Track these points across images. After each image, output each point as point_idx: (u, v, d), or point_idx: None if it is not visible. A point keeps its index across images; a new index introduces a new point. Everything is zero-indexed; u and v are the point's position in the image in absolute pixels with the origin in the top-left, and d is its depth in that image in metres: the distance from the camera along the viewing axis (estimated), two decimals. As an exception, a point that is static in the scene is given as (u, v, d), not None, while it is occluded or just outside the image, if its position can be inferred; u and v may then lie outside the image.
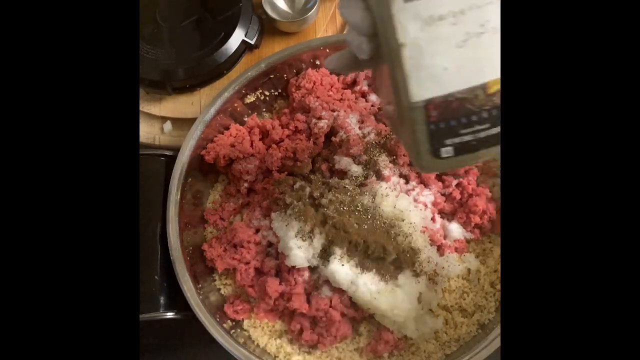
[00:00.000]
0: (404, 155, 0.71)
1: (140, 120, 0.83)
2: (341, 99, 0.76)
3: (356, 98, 0.77)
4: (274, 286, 0.67)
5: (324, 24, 0.85)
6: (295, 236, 0.66)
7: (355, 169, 0.71)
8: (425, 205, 0.70)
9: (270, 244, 0.72)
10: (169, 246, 0.69)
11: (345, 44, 0.48)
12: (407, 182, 0.72)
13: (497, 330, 0.63)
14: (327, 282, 0.67)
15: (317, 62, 0.79)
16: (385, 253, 0.65)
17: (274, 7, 0.84)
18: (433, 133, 0.44)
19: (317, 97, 0.76)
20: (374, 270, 0.65)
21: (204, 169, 0.77)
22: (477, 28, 0.42)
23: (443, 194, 0.72)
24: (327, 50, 0.77)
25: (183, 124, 0.82)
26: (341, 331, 0.66)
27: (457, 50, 0.42)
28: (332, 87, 0.78)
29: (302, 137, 0.74)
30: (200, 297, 0.67)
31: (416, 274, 0.66)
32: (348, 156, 0.72)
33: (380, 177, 0.71)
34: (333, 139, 0.74)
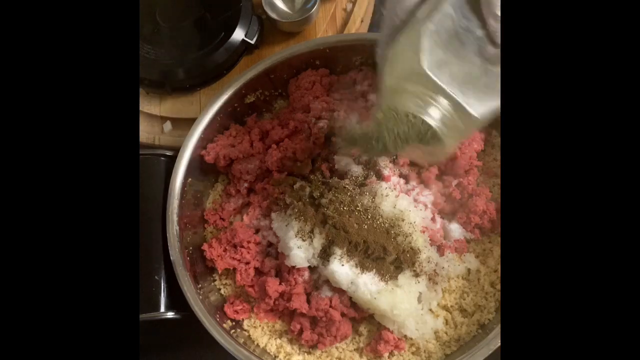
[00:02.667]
0: (403, 155, 0.71)
1: (140, 120, 0.83)
2: (341, 99, 0.76)
3: (356, 98, 0.76)
4: (274, 286, 0.67)
5: (324, 24, 0.85)
6: (295, 236, 0.66)
7: (355, 169, 0.71)
8: (425, 205, 0.70)
9: (270, 244, 0.72)
10: (169, 246, 0.69)
11: None
12: (407, 182, 0.72)
13: (497, 330, 0.63)
14: (327, 282, 0.67)
15: (317, 62, 0.79)
16: (385, 253, 0.65)
17: (274, 7, 0.84)
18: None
19: (317, 97, 0.76)
20: (374, 270, 0.65)
21: (204, 169, 0.77)
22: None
23: (443, 194, 0.72)
24: (327, 51, 0.77)
25: (183, 124, 0.82)
26: (341, 331, 0.66)
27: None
28: (331, 87, 0.78)
29: (302, 137, 0.74)
30: (200, 297, 0.67)
31: (416, 274, 0.66)
32: (348, 156, 0.72)
33: (380, 177, 0.71)
34: (333, 139, 0.74)
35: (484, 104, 0.52)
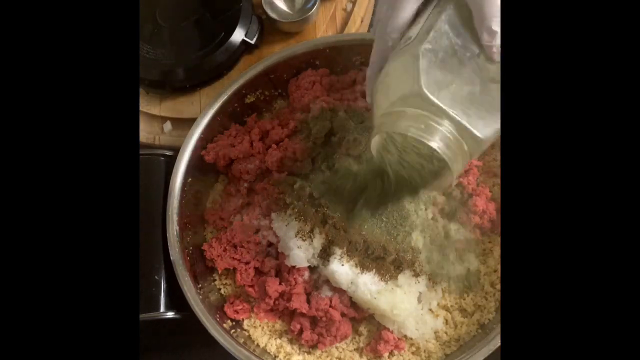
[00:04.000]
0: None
1: (140, 120, 0.83)
2: (341, 99, 0.76)
3: (356, 98, 0.77)
4: (274, 286, 0.67)
5: (324, 24, 0.85)
6: (295, 236, 0.66)
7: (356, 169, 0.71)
8: (426, 206, 0.70)
9: (270, 244, 0.72)
10: (169, 246, 0.69)
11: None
12: (407, 182, 0.72)
13: (497, 330, 0.63)
14: (327, 282, 0.67)
15: (317, 62, 0.79)
16: (385, 253, 0.65)
17: (274, 7, 0.84)
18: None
19: (317, 97, 0.76)
20: (374, 270, 0.65)
21: (204, 169, 0.77)
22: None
23: (443, 194, 0.71)
24: (327, 51, 0.77)
25: (183, 124, 0.82)
26: (341, 331, 0.66)
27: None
28: (331, 87, 0.78)
29: (302, 137, 0.74)
30: (200, 297, 0.67)
31: (416, 274, 0.66)
32: (348, 156, 0.72)
33: (380, 177, 0.71)
34: (333, 139, 0.74)
35: (488, 125, 0.49)
